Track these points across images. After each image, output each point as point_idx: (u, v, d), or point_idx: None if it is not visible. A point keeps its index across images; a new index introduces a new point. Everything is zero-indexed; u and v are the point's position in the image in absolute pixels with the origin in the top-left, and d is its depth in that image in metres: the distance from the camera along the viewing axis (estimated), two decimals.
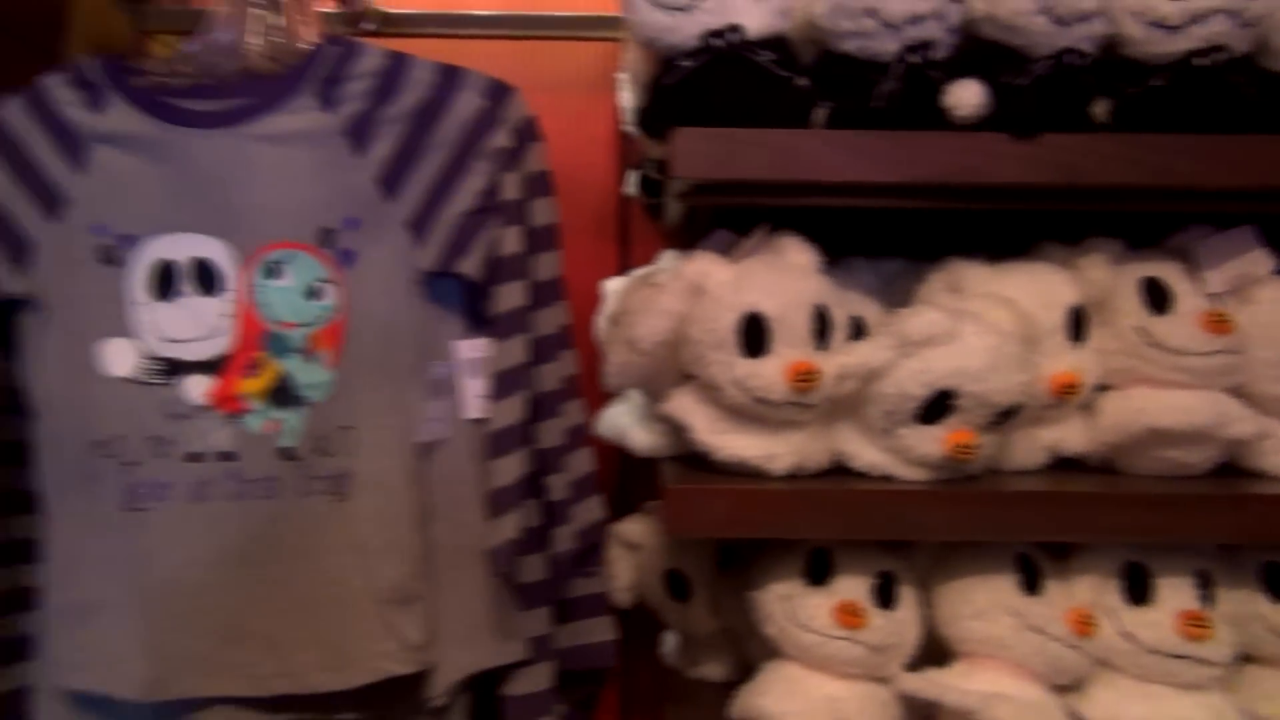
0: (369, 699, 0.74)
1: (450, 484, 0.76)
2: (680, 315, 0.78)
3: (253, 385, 0.73)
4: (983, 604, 0.79)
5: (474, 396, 0.76)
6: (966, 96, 0.73)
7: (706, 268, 0.78)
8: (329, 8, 0.96)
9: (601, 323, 1.07)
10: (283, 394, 0.73)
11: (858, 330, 0.81)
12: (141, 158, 0.73)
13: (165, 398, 0.73)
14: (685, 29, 0.75)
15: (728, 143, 0.73)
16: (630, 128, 1.06)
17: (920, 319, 0.75)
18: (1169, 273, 0.81)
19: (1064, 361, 0.80)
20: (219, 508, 0.73)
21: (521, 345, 0.76)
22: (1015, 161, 0.74)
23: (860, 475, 0.79)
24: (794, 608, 0.80)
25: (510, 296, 0.75)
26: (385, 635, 0.73)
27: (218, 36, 0.79)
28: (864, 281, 0.89)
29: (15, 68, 0.95)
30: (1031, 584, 0.79)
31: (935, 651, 0.82)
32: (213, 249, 0.73)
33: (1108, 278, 0.81)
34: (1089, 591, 0.80)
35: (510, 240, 0.75)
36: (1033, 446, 0.82)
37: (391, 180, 0.73)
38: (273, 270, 0.73)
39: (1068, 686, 0.80)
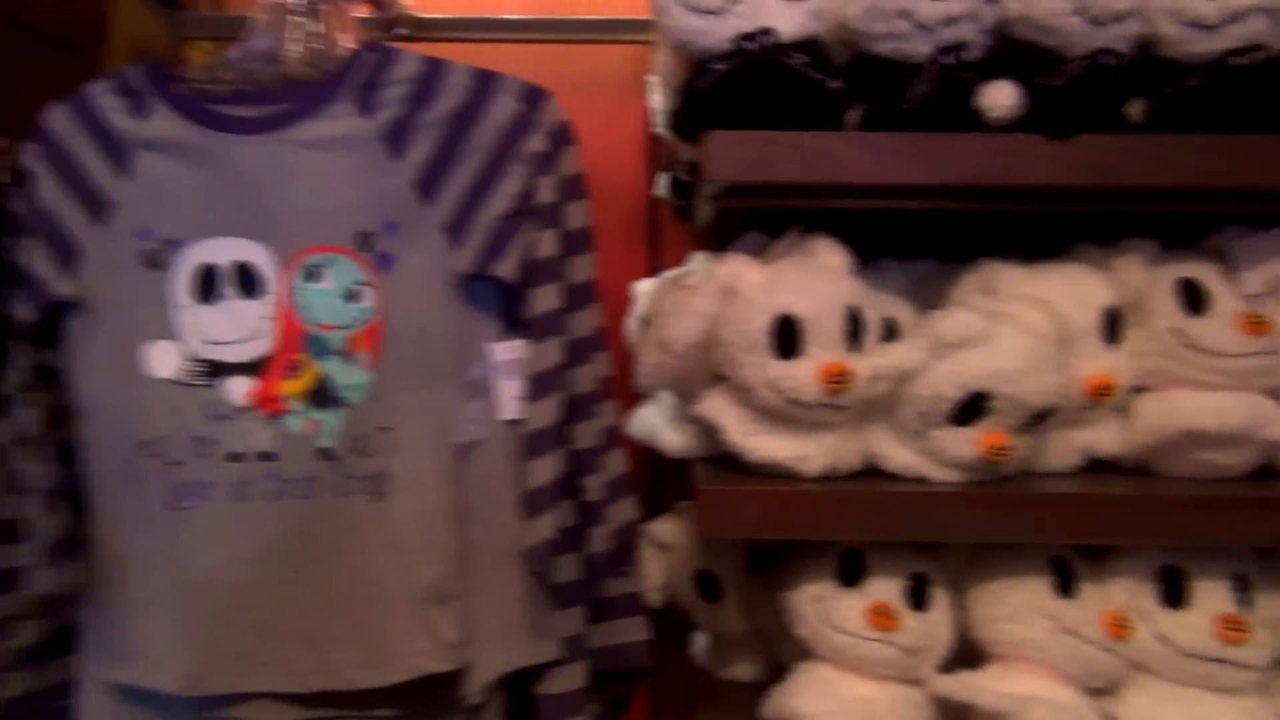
0: (405, 696, 0.75)
1: (486, 484, 0.76)
2: (712, 317, 0.78)
3: (293, 386, 0.74)
4: (1016, 606, 0.79)
5: (510, 398, 0.76)
6: (1000, 97, 0.73)
7: (739, 269, 0.79)
8: (364, 14, 0.97)
9: (632, 324, 1.08)
10: (322, 395, 0.74)
11: (890, 332, 0.81)
12: (184, 163, 0.75)
13: (207, 399, 0.74)
14: (718, 32, 0.75)
15: (760, 145, 0.73)
16: (660, 130, 1.06)
17: (954, 320, 0.75)
18: (1205, 274, 0.80)
19: (1099, 363, 0.79)
20: (259, 507, 0.74)
21: (557, 347, 0.76)
22: (1049, 162, 0.74)
23: (893, 477, 0.79)
24: (826, 609, 0.80)
25: (546, 299, 0.76)
26: (422, 633, 0.73)
27: (257, 43, 0.80)
28: (895, 283, 0.89)
29: (57, 74, 0.98)
30: (1066, 586, 0.79)
31: (968, 653, 0.82)
32: (254, 253, 0.74)
33: (1143, 279, 0.81)
34: (1124, 594, 0.80)
35: (546, 243, 0.76)
36: (1067, 448, 0.82)
37: (428, 184, 0.74)
38: (312, 273, 0.74)
39: (1102, 690, 0.79)
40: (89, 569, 0.78)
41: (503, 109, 0.75)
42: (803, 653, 0.84)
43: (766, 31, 0.74)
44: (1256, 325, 0.77)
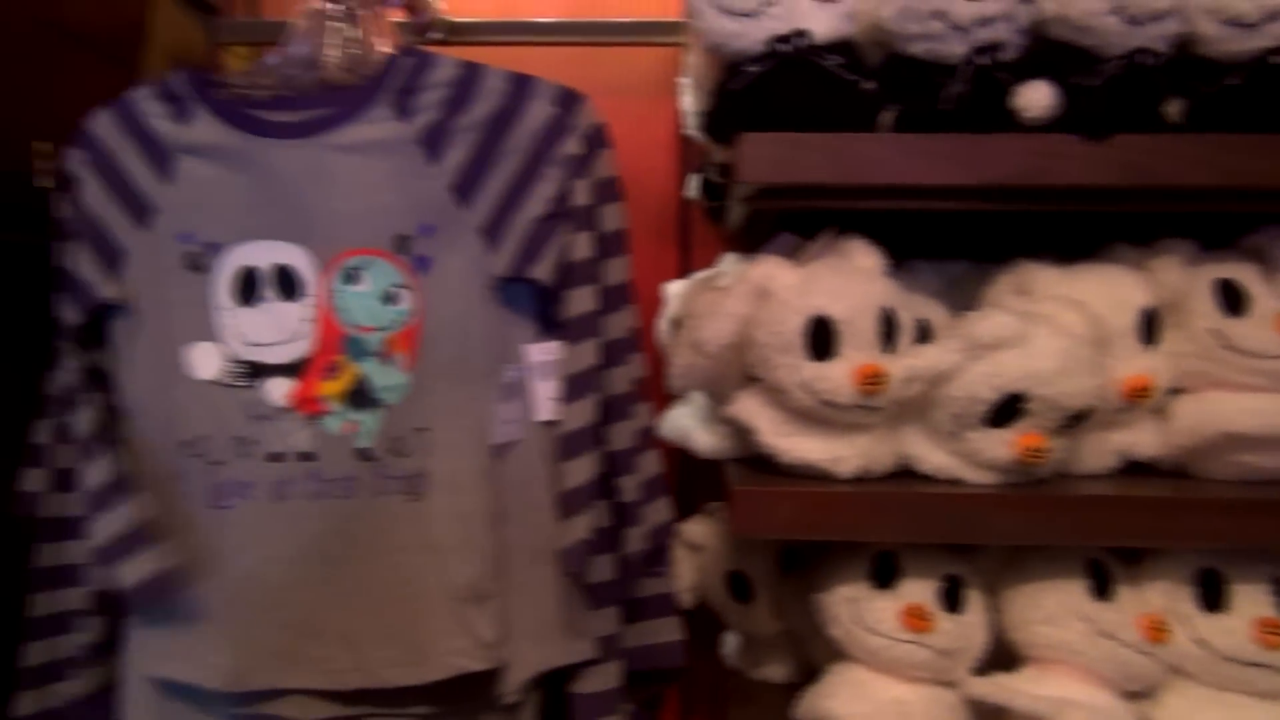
0: (442, 694, 0.75)
1: (522, 485, 0.77)
2: (746, 318, 0.79)
3: (332, 388, 0.75)
4: (1052, 609, 0.78)
5: (545, 399, 0.77)
6: (1036, 98, 0.72)
7: (772, 271, 0.79)
8: (399, 19, 0.98)
9: (663, 325, 1.08)
10: (360, 396, 0.75)
11: (923, 333, 0.81)
12: (225, 168, 0.76)
13: (248, 399, 0.75)
14: (752, 34, 0.75)
15: (794, 147, 0.73)
16: (691, 132, 1.07)
17: (990, 321, 0.75)
18: (1244, 274, 0.79)
19: (1136, 364, 0.79)
20: (298, 506, 0.75)
21: (592, 349, 0.77)
22: (1086, 163, 0.73)
23: (927, 478, 0.79)
24: (860, 610, 0.80)
25: (581, 301, 0.76)
26: (459, 632, 0.74)
27: (296, 49, 0.81)
28: (928, 284, 0.89)
29: (97, 80, 1.00)
30: (1102, 589, 0.78)
31: (1002, 656, 0.81)
32: (293, 256, 0.75)
33: (1181, 279, 0.80)
34: (1161, 597, 0.79)
35: (581, 245, 0.76)
36: (1103, 450, 0.81)
37: (465, 188, 0.75)
38: (351, 276, 0.75)
39: (1139, 693, 0.79)
40: None
41: (538, 112, 0.76)
42: (835, 654, 0.84)
43: (801, 33, 0.74)
44: None
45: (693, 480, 1.13)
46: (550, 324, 0.78)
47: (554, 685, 0.80)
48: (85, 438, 0.76)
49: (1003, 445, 0.75)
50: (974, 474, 0.78)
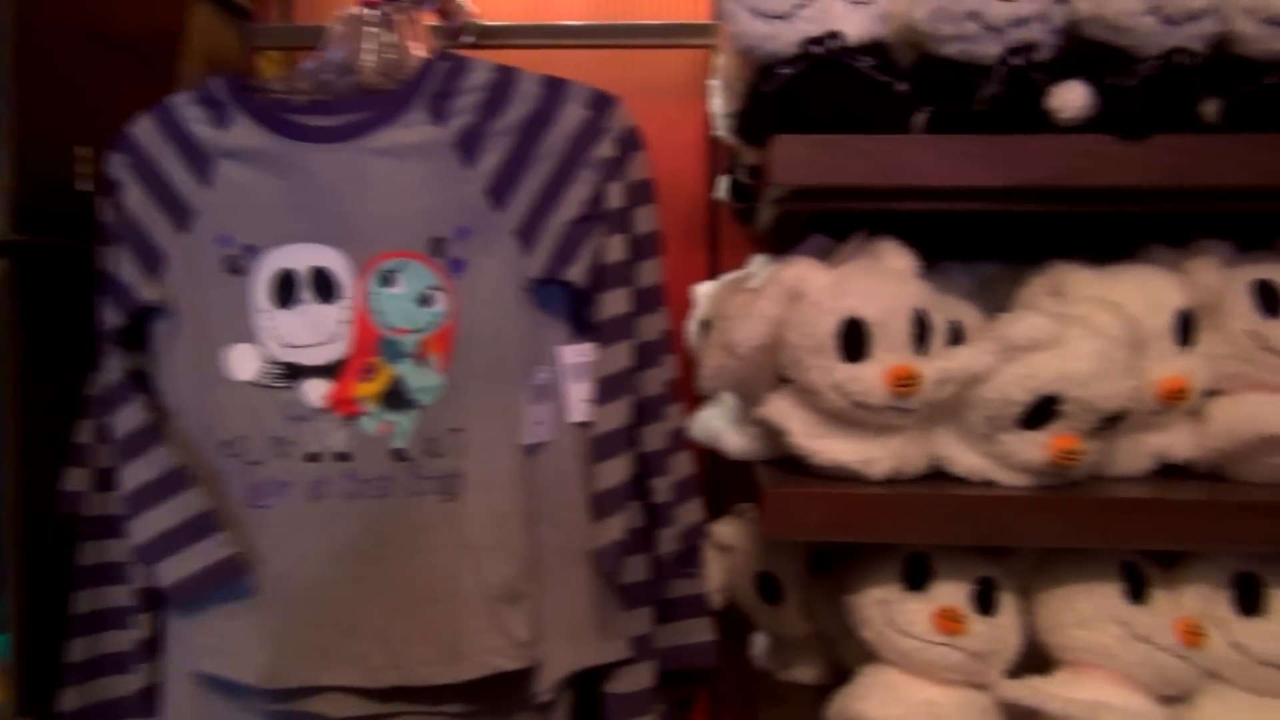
0: (476, 693, 0.76)
1: (555, 486, 0.78)
2: (778, 320, 0.79)
3: (368, 389, 0.76)
4: (1087, 612, 0.78)
5: (579, 400, 0.77)
6: (1071, 98, 0.72)
7: (804, 273, 0.79)
8: (431, 23, 0.98)
9: (692, 327, 1.08)
10: (395, 397, 0.76)
11: (956, 335, 0.80)
12: (263, 171, 0.77)
13: (286, 400, 0.76)
14: (785, 36, 0.75)
15: (827, 149, 0.74)
16: (721, 134, 1.07)
17: (1024, 323, 0.74)
18: None
19: (1172, 366, 0.78)
20: (335, 506, 0.75)
21: (626, 350, 0.77)
22: (1122, 163, 0.73)
23: (959, 480, 0.79)
24: (892, 612, 0.80)
25: (615, 303, 0.77)
26: (494, 631, 0.75)
27: (333, 54, 0.82)
28: (960, 285, 0.89)
29: (136, 85, 1.01)
30: (1137, 593, 0.78)
31: (1035, 659, 0.81)
32: (330, 258, 0.76)
33: (1218, 280, 0.79)
34: (1197, 601, 0.79)
35: (614, 248, 0.76)
36: (1138, 453, 0.81)
37: (500, 191, 0.76)
38: (387, 278, 0.76)
39: (1175, 698, 0.78)
40: None
41: (572, 115, 0.76)
42: (866, 656, 0.84)
43: (833, 35, 0.74)
44: None
45: (721, 481, 1.13)
46: (583, 326, 0.78)
47: (586, 685, 0.80)
48: (124, 438, 0.77)
49: (1037, 447, 0.75)
50: (1007, 476, 0.77)
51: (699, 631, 0.84)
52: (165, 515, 0.76)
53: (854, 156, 0.74)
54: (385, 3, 0.82)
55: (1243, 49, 0.74)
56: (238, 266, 0.77)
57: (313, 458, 0.76)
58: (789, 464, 0.83)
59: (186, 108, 0.79)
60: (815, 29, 0.75)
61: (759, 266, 1.07)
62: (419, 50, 0.83)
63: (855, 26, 0.76)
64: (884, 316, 0.75)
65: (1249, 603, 0.77)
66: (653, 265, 0.79)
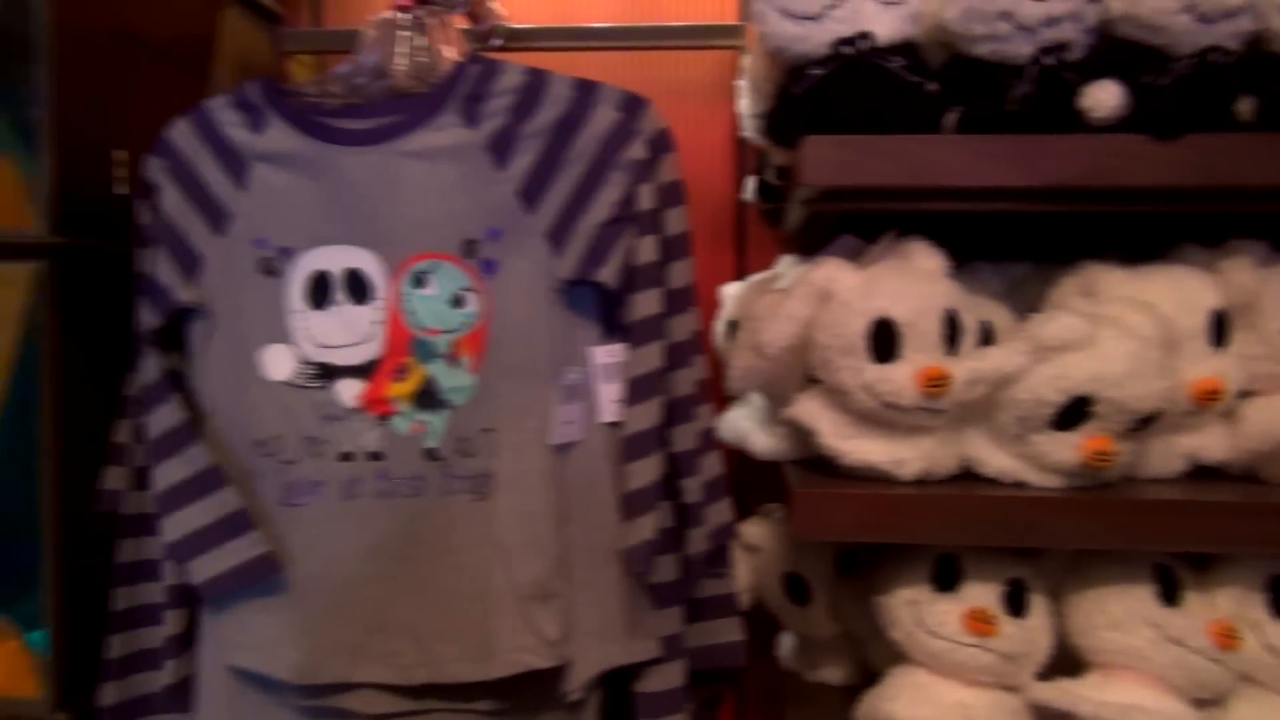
0: (506, 691, 0.76)
1: (585, 485, 0.78)
2: (807, 321, 0.79)
3: (400, 389, 0.76)
4: (1119, 614, 0.78)
5: (610, 401, 0.78)
6: (1104, 98, 0.72)
7: (834, 273, 0.79)
8: (461, 25, 0.99)
9: (719, 327, 1.09)
10: (428, 397, 0.76)
11: (986, 335, 0.80)
12: (297, 174, 0.77)
13: (320, 400, 0.76)
14: (815, 37, 0.76)
15: (858, 150, 0.74)
16: (748, 134, 1.07)
17: (1056, 323, 0.74)
18: None
19: (1205, 367, 0.78)
20: (367, 505, 0.76)
21: (657, 351, 0.77)
22: (1155, 163, 0.73)
23: (990, 481, 0.79)
24: (922, 613, 0.80)
25: (646, 304, 0.77)
26: (525, 630, 0.75)
27: (366, 58, 0.83)
28: (990, 285, 0.88)
29: (170, 89, 1.03)
30: (1170, 595, 0.78)
31: (1066, 661, 0.81)
32: (364, 260, 0.76)
33: (1252, 280, 0.79)
34: (1231, 603, 0.78)
35: (645, 249, 0.77)
36: (1171, 454, 0.80)
37: (532, 192, 0.76)
38: (419, 280, 0.76)
39: (1208, 701, 0.78)
40: None
41: (603, 118, 0.76)
42: (894, 657, 0.84)
43: (864, 35, 0.74)
44: None
45: (747, 482, 1.13)
46: (614, 326, 0.79)
47: (615, 684, 0.81)
48: (158, 437, 0.78)
49: (1069, 448, 0.75)
50: (1039, 477, 0.77)
51: (728, 631, 0.84)
52: (198, 514, 0.77)
53: (884, 157, 0.74)
54: (418, 6, 0.83)
55: (1278, 47, 0.73)
56: (273, 268, 0.77)
57: (346, 457, 0.76)
58: (817, 464, 0.83)
59: (222, 111, 0.80)
60: (846, 29, 0.75)
61: (786, 267, 1.07)
62: (451, 53, 0.84)
63: (886, 27, 0.76)
64: (914, 317, 0.75)
65: None
66: (683, 266, 0.80)
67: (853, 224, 0.86)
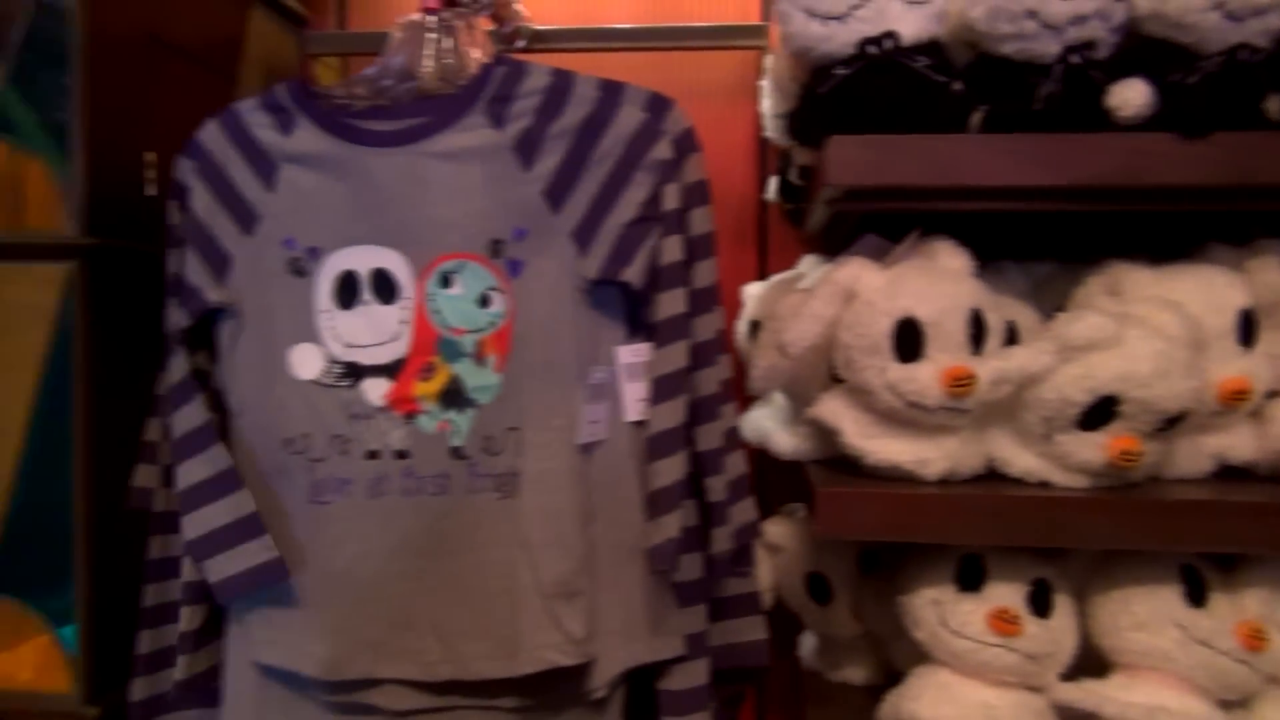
0: (531, 688, 0.77)
1: (610, 484, 0.78)
2: (831, 320, 0.79)
3: (426, 388, 0.77)
4: (1144, 615, 0.77)
5: (635, 400, 0.78)
6: (1132, 96, 0.71)
7: (858, 272, 0.79)
8: (485, 27, 1.00)
9: (741, 327, 1.09)
10: (453, 396, 0.77)
11: (1011, 335, 0.80)
12: (325, 175, 0.78)
13: (347, 399, 0.77)
14: (840, 37, 0.76)
15: (883, 149, 0.74)
16: (771, 134, 1.07)
17: (1083, 323, 0.74)
18: None
19: (1233, 367, 0.77)
20: (394, 503, 0.77)
21: (682, 350, 0.77)
22: (1183, 162, 0.72)
23: (1015, 481, 0.79)
24: (946, 613, 0.80)
25: (671, 304, 0.77)
26: (550, 627, 0.75)
27: (393, 60, 0.84)
28: (1015, 285, 0.88)
29: (198, 91, 1.04)
30: (1197, 596, 0.77)
31: (1091, 661, 0.80)
32: (391, 260, 0.77)
33: None
34: (1258, 605, 0.78)
35: (671, 249, 0.77)
36: (1198, 454, 0.80)
37: (558, 193, 0.76)
38: (446, 280, 0.77)
39: (1234, 702, 0.77)
40: None
41: (629, 118, 0.77)
42: (916, 657, 0.84)
43: (890, 35, 0.74)
44: None
45: (769, 482, 1.13)
46: (639, 326, 0.79)
47: (639, 682, 0.81)
48: (182, 436, 0.79)
49: (1095, 448, 0.74)
50: (1064, 477, 0.77)
51: (751, 630, 0.84)
52: (216, 514, 0.78)
53: (909, 156, 0.74)
54: (445, 8, 0.84)
55: None
56: (301, 268, 0.78)
57: (373, 455, 0.77)
58: (840, 464, 0.83)
59: (251, 113, 0.81)
60: (871, 29, 0.75)
61: (809, 267, 1.07)
62: (477, 55, 0.84)
63: (911, 26, 0.76)
64: (939, 316, 0.75)
65: None
66: (708, 266, 0.80)
67: (875, 224, 0.86)
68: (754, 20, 1.16)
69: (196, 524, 0.78)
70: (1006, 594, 0.79)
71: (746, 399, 0.99)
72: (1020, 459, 0.78)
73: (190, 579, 0.80)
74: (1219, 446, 0.80)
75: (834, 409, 0.81)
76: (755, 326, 1.03)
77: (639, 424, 0.78)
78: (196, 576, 0.79)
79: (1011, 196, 0.77)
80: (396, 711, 0.77)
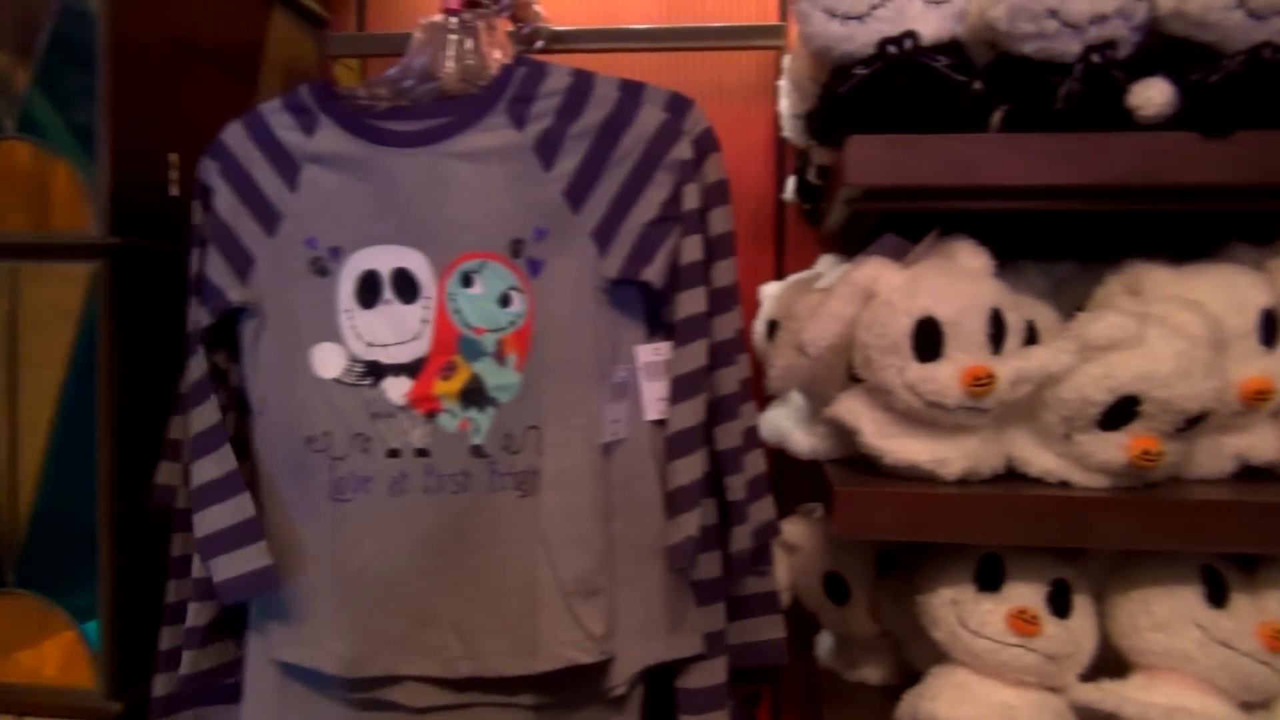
0: (550, 685, 0.77)
1: (630, 482, 0.78)
2: (850, 320, 0.79)
3: (447, 387, 0.77)
4: (1165, 616, 0.77)
5: (654, 399, 0.78)
6: (1153, 95, 0.71)
7: (878, 272, 0.79)
8: (505, 28, 1.00)
9: (759, 327, 1.09)
10: (474, 395, 0.77)
11: (1030, 334, 0.80)
12: (347, 176, 0.79)
13: (369, 398, 0.78)
14: (860, 37, 0.76)
15: (903, 149, 0.74)
16: (789, 134, 1.07)
17: (1103, 322, 0.74)
18: None
19: (1255, 367, 0.77)
20: (414, 501, 0.77)
21: (702, 350, 0.77)
22: (1204, 161, 0.72)
23: (1034, 481, 0.79)
24: (965, 613, 0.80)
25: (691, 303, 0.77)
26: (570, 625, 0.76)
27: (415, 61, 0.84)
28: (1034, 284, 0.88)
29: (220, 90, 1.05)
30: (1218, 596, 0.77)
31: (1108, 663, 0.80)
32: (412, 260, 0.78)
33: None
34: None
35: (691, 249, 0.77)
36: (1219, 454, 0.79)
37: (578, 193, 0.77)
38: (467, 279, 0.77)
39: (1255, 703, 0.77)
40: None
41: (649, 118, 0.77)
42: (934, 657, 0.84)
43: (910, 35, 0.74)
44: None
45: (786, 481, 1.13)
46: (659, 325, 0.79)
47: (658, 680, 0.81)
48: (196, 435, 0.80)
49: (1115, 448, 0.74)
50: (1084, 477, 0.77)
51: (769, 628, 0.85)
52: (222, 514, 0.78)
53: (929, 156, 0.74)
54: (465, 9, 0.84)
55: None
56: (322, 268, 0.79)
57: (394, 453, 0.77)
58: (858, 464, 0.83)
59: (275, 114, 0.81)
60: (891, 29, 0.75)
61: (826, 266, 1.07)
62: (498, 56, 0.85)
63: (931, 26, 0.76)
64: (958, 316, 0.75)
65: None
66: (727, 265, 0.80)
67: (893, 223, 0.86)
68: (772, 20, 1.17)
69: (204, 523, 0.79)
70: (1026, 594, 0.79)
71: (764, 399, 0.99)
72: (1040, 459, 0.78)
73: (199, 575, 0.81)
74: (1240, 447, 0.79)
75: (852, 408, 0.81)
76: (773, 326, 1.03)
77: (658, 423, 0.79)
78: (205, 573, 0.80)
79: (1032, 196, 0.77)
80: (416, 708, 0.78)
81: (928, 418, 0.77)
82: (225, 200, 0.81)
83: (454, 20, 0.84)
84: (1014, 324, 0.77)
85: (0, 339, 0.91)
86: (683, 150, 0.77)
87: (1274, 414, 0.79)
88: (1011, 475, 0.80)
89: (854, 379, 0.82)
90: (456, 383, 0.77)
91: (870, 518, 0.76)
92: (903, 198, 0.78)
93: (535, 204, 0.76)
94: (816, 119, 0.83)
